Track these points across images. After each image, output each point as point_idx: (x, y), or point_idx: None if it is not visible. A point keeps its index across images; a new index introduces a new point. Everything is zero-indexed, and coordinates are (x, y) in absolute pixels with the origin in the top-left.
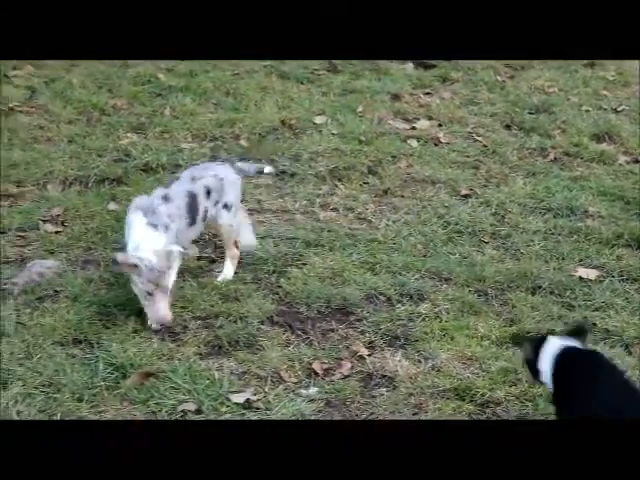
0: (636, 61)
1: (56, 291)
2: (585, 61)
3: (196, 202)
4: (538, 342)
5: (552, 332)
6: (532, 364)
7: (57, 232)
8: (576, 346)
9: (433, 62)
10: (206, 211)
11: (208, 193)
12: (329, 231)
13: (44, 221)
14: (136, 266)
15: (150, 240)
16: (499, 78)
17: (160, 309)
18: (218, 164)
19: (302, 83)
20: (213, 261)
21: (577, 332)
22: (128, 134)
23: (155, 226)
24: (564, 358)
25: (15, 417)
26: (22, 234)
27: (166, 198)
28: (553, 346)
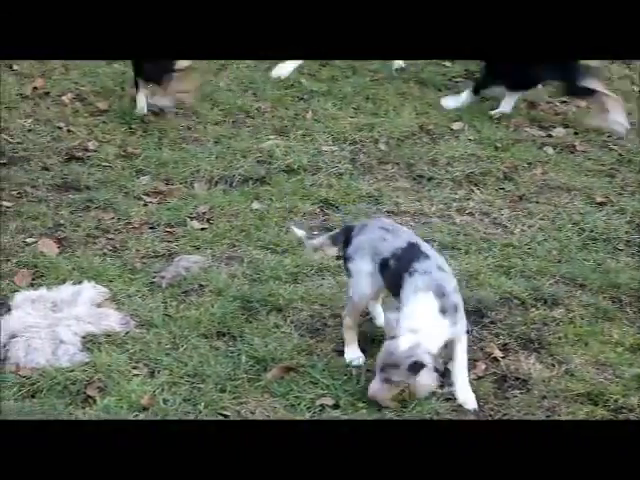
0: None
1: (201, 285)
2: None
3: None
4: None
5: None
6: None
7: (203, 229)
8: None
9: None
10: None
11: None
12: (465, 235)
13: (191, 218)
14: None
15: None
16: (635, 88)
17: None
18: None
19: (440, 90)
20: None
21: None
22: (271, 136)
23: (444, 312)
24: None
25: (162, 405)
26: (170, 230)
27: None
28: None
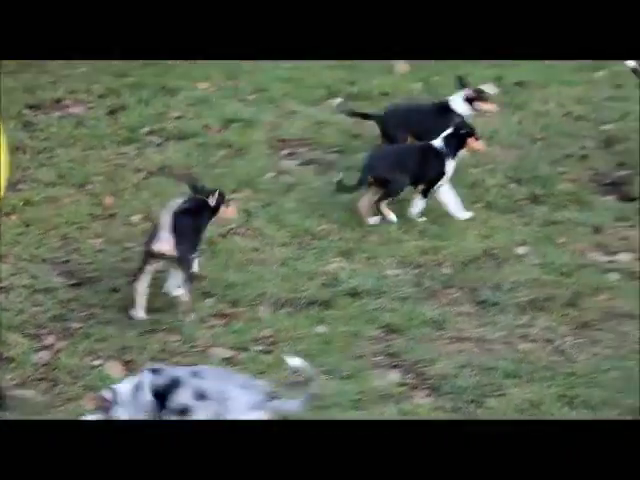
0: None
1: None
2: None
3: None
4: None
5: None
6: None
7: (268, 352)
8: None
9: (635, 195)
10: None
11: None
12: (528, 362)
13: (256, 341)
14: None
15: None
16: None
17: None
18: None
19: (504, 213)
20: None
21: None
22: (336, 259)
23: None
24: None
25: None
26: (235, 354)
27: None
28: None
